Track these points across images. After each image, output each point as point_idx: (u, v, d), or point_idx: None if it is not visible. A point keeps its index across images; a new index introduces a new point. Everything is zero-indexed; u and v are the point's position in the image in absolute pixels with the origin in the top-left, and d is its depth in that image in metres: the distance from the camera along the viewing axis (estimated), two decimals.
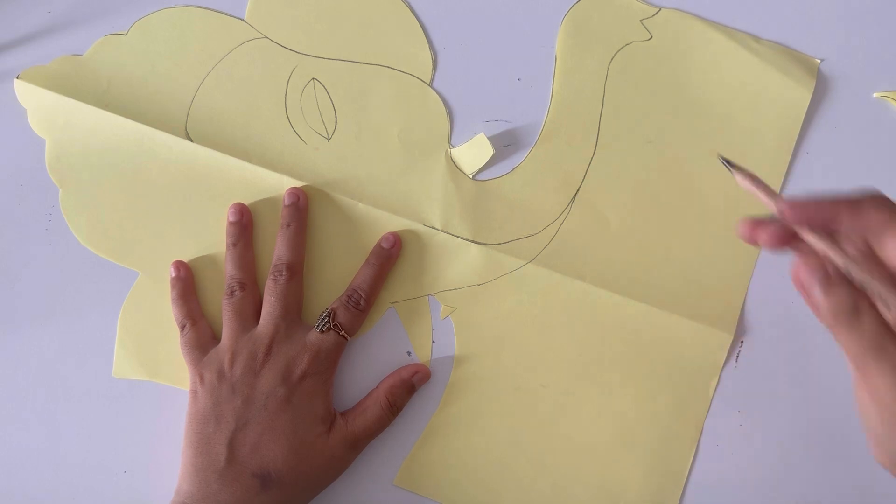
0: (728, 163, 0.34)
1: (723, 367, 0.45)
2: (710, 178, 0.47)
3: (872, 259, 0.29)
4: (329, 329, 0.43)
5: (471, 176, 0.47)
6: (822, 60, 0.48)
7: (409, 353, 0.46)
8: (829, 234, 0.29)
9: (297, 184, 0.46)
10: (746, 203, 0.47)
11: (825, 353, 0.46)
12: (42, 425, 0.46)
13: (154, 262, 0.46)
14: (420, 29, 0.48)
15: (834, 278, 0.28)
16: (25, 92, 0.46)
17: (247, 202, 0.46)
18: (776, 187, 0.47)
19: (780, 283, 0.47)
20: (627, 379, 0.45)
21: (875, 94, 0.48)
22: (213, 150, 0.46)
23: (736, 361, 0.46)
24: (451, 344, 0.46)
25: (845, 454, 0.46)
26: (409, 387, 0.45)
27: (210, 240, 0.46)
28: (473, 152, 0.47)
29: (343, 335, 0.44)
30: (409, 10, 0.48)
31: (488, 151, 0.46)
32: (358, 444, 0.43)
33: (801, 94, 0.47)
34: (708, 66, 0.48)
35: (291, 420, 0.42)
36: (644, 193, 0.47)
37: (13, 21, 0.48)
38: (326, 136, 0.47)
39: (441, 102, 0.48)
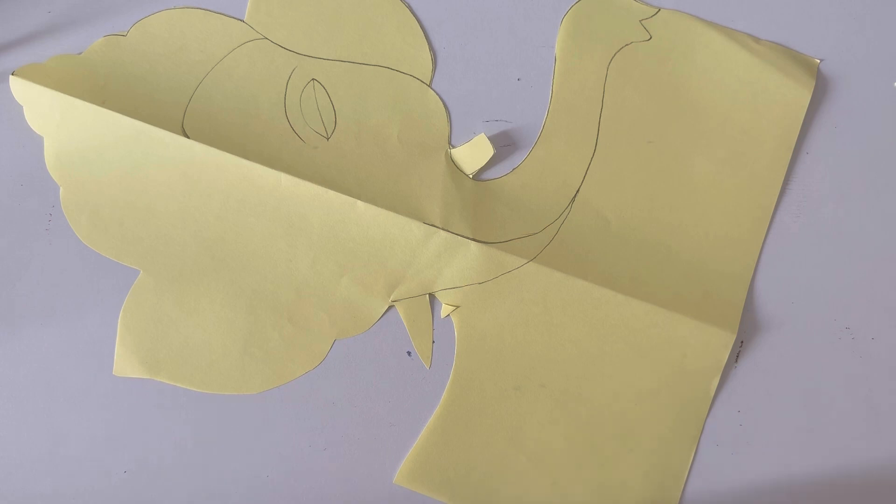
0: None
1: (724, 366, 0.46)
2: (711, 177, 0.47)
3: None
4: None
5: (471, 176, 0.47)
6: (821, 60, 0.48)
7: (409, 352, 0.46)
8: None
9: (296, 181, 0.45)
10: (747, 203, 0.47)
11: (825, 353, 0.46)
12: (42, 425, 0.46)
13: (155, 260, 0.46)
14: (419, 29, 0.48)
15: None
16: (21, 88, 0.46)
17: (244, 199, 0.46)
18: (776, 187, 0.47)
19: (780, 283, 0.47)
20: (628, 378, 0.45)
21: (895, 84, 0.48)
22: (210, 146, 0.46)
23: (736, 361, 0.46)
24: (451, 343, 0.46)
25: (845, 454, 0.46)
26: None
27: (210, 237, 0.46)
28: (473, 152, 0.47)
29: None
30: (408, 10, 0.48)
31: (488, 151, 0.46)
32: None
33: (801, 94, 0.47)
34: (708, 67, 0.48)
35: None
36: (644, 193, 0.47)
37: (13, 21, 0.48)
38: (326, 135, 0.47)
39: (441, 103, 0.48)
